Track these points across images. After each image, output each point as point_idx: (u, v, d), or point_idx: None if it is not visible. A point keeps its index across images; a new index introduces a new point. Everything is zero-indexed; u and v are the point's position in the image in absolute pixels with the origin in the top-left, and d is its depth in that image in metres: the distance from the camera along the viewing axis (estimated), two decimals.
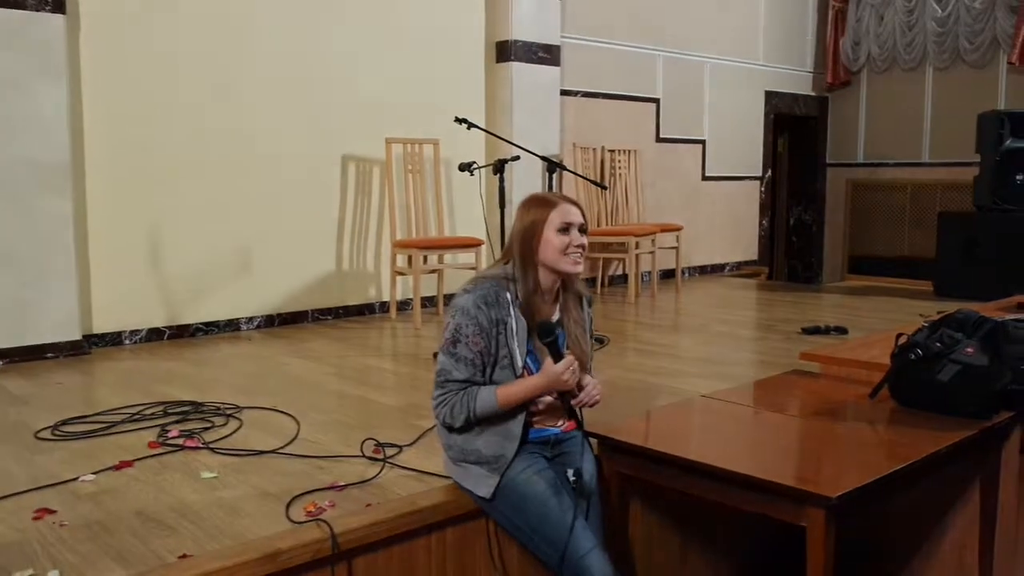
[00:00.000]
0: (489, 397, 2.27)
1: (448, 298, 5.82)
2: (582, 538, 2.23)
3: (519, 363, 2.32)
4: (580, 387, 2.37)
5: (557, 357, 2.27)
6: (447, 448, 2.42)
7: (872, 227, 9.24)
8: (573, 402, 2.38)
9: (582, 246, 2.36)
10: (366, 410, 3.47)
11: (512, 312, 2.32)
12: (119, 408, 3.39)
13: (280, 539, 2.11)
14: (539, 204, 2.38)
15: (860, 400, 3.03)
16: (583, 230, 2.37)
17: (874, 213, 9.22)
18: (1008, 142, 6.60)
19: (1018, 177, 6.59)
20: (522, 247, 2.35)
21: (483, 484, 2.34)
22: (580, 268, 2.37)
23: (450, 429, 2.35)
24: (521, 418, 2.33)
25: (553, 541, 2.25)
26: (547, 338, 2.28)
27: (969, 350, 2.82)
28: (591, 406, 2.42)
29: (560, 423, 2.47)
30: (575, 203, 2.40)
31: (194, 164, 4.93)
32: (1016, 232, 6.46)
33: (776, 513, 2.28)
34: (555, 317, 2.43)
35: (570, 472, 2.32)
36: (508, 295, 2.32)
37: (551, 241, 2.32)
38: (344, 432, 3.09)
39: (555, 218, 2.33)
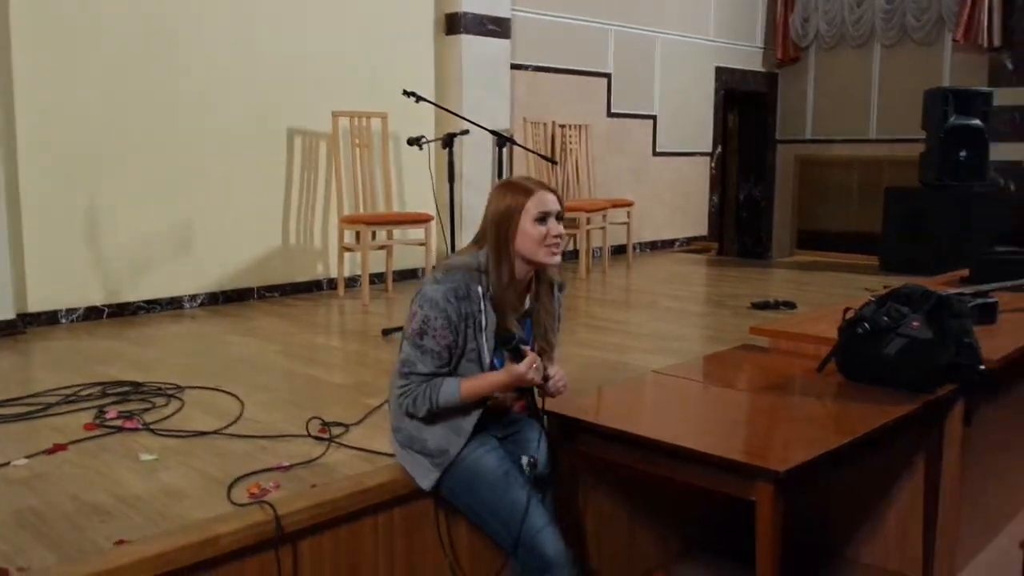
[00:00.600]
0: (452, 390, 2.22)
1: (397, 275, 5.76)
2: (534, 516, 2.21)
3: (487, 359, 2.27)
4: (546, 378, 2.31)
5: (518, 359, 2.22)
6: (396, 431, 2.36)
7: (820, 203, 9.34)
8: (538, 394, 2.34)
9: (560, 235, 2.27)
10: (312, 389, 3.41)
11: (483, 307, 2.25)
12: (54, 389, 3.27)
13: (221, 522, 2.05)
14: (515, 191, 2.28)
15: (808, 374, 3.04)
16: (560, 217, 2.29)
17: (822, 189, 9.32)
18: (952, 119, 6.69)
19: (961, 154, 6.69)
20: (497, 237, 2.26)
21: (425, 477, 2.30)
22: (558, 259, 2.29)
23: (411, 417, 2.29)
24: (475, 415, 2.27)
25: (505, 520, 2.23)
26: (506, 345, 2.22)
27: (915, 324, 2.84)
28: (554, 396, 2.38)
29: (513, 406, 2.44)
30: (552, 190, 2.31)
31: (133, 136, 4.77)
32: (959, 208, 6.57)
33: (726, 488, 2.28)
34: (525, 306, 2.36)
35: (524, 460, 2.28)
36: (479, 288, 2.25)
37: (528, 232, 2.23)
38: (289, 411, 3.02)
39: (532, 207, 2.24)
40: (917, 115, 7.07)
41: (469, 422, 2.27)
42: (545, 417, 2.47)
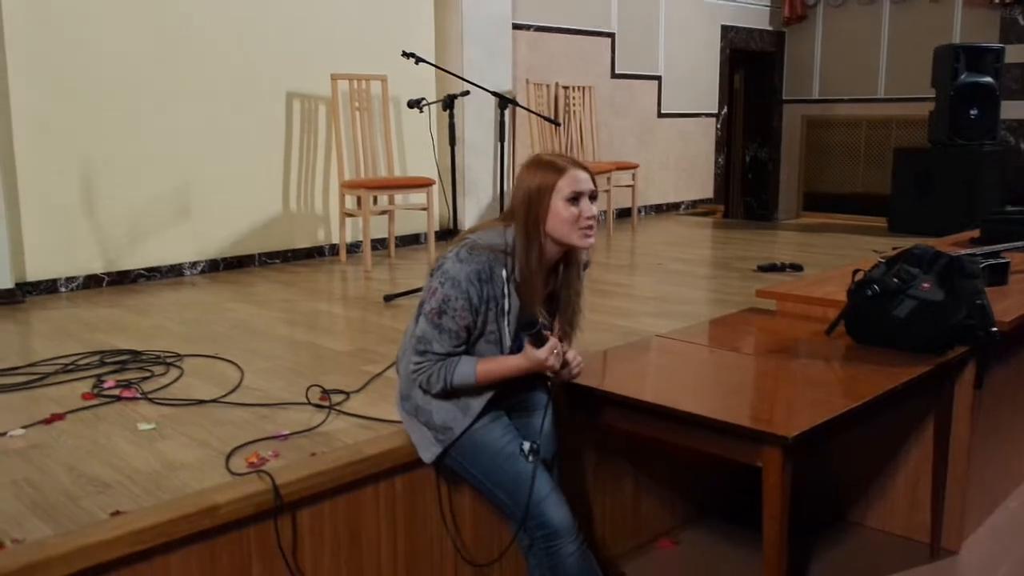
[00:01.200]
0: (468, 372, 2.15)
1: (400, 240, 5.71)
2: (539, 484, 2.17)
3: (507, 342, 2.20)
4: (564, 363, 2.24)
5: (538, 344, 2.15)
6: (404, 399, 2.30)
7: (827, 164, 9.23)
8: (553, 377, 2.28)
9: (594, 216, 2.16)
10: (313, 356, 3.37)
11: (507, 291, 2.16)
12: (52, 359, 3.24)
13: (218, 492, 2.01)
14: (545, 169, 2.15)
15: (816, 337, 2.99)
16: (593, 197, 2.17)
17: (829, 150, 9.21)
18: (963, 76, 6.57)
19: (972, 112, 6.58)
20: (527, 218, 2.14)
21: (427, 449, 2.25)
22: (592, 241, 2.16)
23: (423, 391, 2.23)
24: (486, 397, 2.21)
25: (510, 491, 2.19)
26: (528, 331, 2.14)
27: (925, 285, 2.79)
28: (568, 381, 2.33)
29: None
30: (585, 167, 2.18)
31: (130, 102, 4.70)
32: (970, 167, 6.47)
33: (732, 454, 2.24)
34: (549, 288, 2.27)
35: (526, 446, 2.21)
36: (504, 271, 2.15)
37: (560, 213, 2.11)
38: (290, 379, 2.98)
39: (564, 186, 2.11)
40: (926, 73, 6.95)
41: (479, 403, 2.21)
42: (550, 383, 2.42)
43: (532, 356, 2.15)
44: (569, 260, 2.25)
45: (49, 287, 4.51)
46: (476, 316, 2.15)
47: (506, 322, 2.18)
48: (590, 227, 2.14)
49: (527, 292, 2.17)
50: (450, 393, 2.19)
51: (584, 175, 2.15)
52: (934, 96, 6.78)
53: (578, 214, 2.12)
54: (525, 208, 2.14)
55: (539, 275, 2.18)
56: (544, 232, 2.14)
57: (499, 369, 2.18)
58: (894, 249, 3.09)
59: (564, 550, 2.17)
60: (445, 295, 2.12)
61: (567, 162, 2.17)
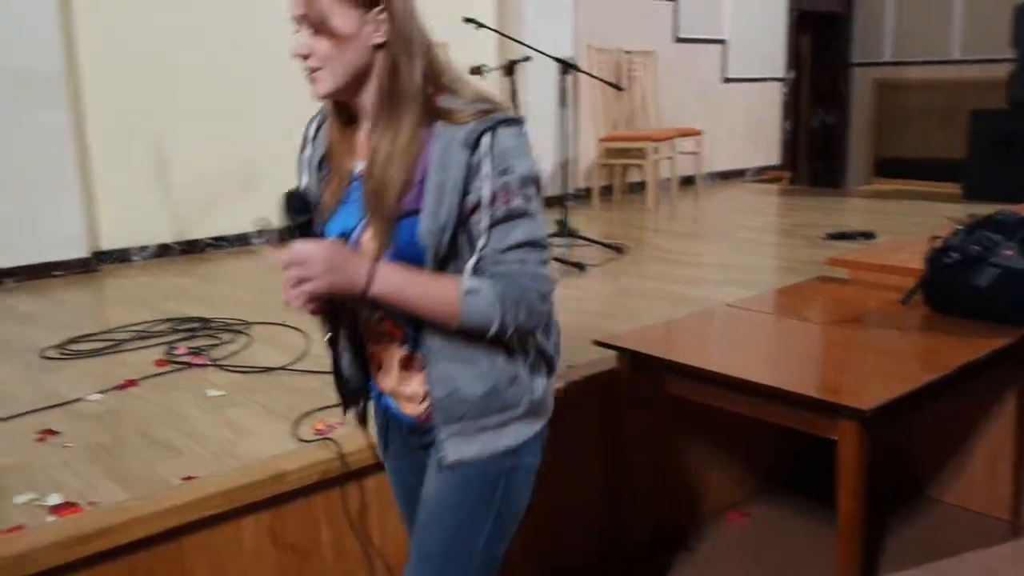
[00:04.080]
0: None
1: None
2: None
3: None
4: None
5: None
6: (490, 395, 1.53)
7: (899, 128, 8.93)
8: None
9: (304, 56, 1.47)
10: None
11: (309, 146, 1.68)
12: (126, 326, 3.31)
13: (287, 459, 2.03)
14: None
15: (892, 307, 2.89)
16: (309, 23, 1.45)
17: (902, 114, 8.90)
18: None
19: None
20: None
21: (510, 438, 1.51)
22: (316, 92, 1.50)
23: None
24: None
25: None
26: (297, 216, 1.37)
27: (1008, 252, 2.67)
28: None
29: (413, 405, 1.51)
30: None
31: (199, 71, 4.74)
32: None
33: (806, 427, 2.18)
34: (358, 167, 1.51)
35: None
36: (314, 124, 1.66)
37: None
38: None
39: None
40: (1005, 32, 6.65)
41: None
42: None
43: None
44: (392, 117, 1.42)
45: (122, 256, 4.61)
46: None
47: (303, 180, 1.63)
48: (306, 70, 1.47)
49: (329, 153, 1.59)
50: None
51: None
52: (1013, 56, 6.48)
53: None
54: None
55: (336, 133, 1.58)
56: None
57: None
58: (970, 216, 2.96)
59: None
60: None
61: None
